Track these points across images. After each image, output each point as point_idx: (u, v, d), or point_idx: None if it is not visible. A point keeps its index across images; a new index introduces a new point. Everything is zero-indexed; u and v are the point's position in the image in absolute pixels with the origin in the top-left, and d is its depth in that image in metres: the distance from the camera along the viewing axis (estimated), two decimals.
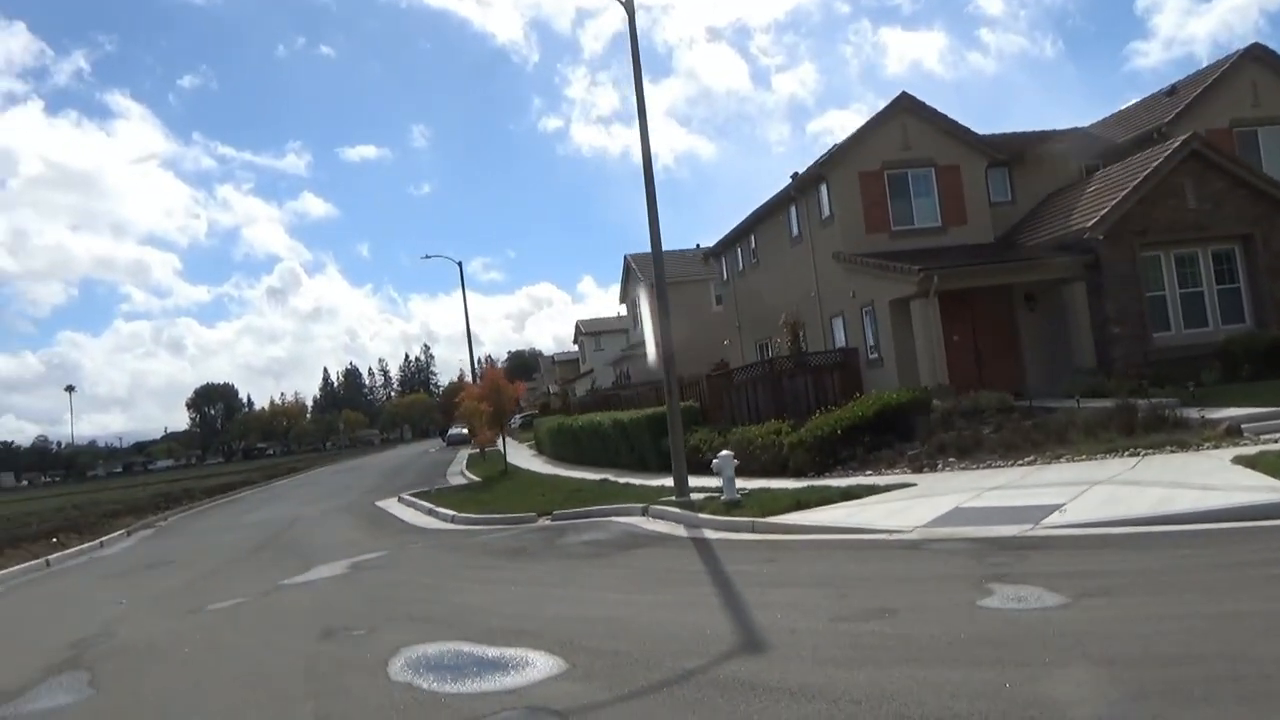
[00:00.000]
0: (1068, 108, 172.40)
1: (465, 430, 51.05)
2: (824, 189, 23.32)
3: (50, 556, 19.46)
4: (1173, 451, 12.43)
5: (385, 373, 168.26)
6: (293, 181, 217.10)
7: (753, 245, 29.63)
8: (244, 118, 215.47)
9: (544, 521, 16.02)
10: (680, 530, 12.84)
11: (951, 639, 5.77)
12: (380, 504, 24.08)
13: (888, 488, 13.11)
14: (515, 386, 30.42)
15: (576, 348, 70.52)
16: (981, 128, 23.25)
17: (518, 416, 53.21)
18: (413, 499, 22.88)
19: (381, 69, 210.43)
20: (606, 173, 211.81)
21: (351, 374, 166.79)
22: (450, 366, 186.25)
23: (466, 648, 7.17)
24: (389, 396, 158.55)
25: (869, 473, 15.29)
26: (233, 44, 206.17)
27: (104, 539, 22.68)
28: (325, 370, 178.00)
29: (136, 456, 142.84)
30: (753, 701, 5.03)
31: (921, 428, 16.51)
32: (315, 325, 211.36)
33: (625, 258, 46.76)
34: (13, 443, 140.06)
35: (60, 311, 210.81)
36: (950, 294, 19.57)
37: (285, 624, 9.39)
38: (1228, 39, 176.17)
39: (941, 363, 19.29)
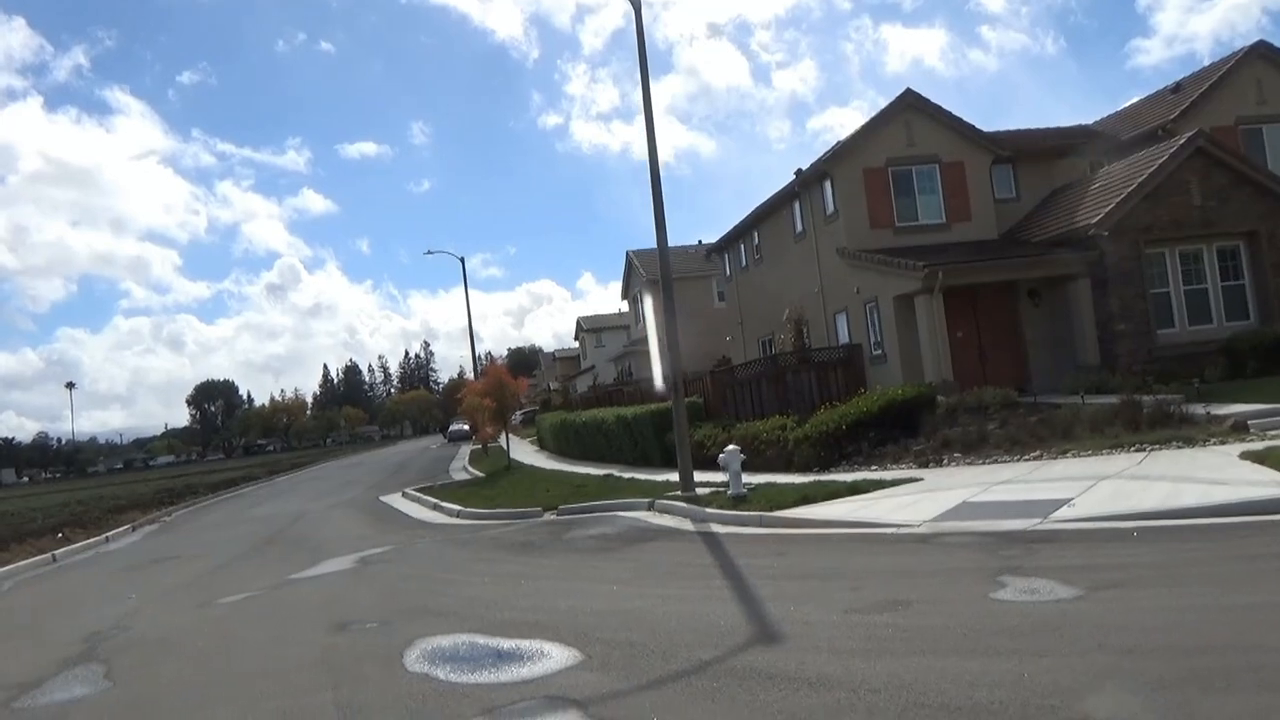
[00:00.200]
0: (1069, 105, 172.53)
1: (466, 426, 51.10)
2: (828, 185, 23.34)
3: (56, 551, 19.49)
4: (1179, 447, 12.46)
5: (385, 369, 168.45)
6: (293, 178, 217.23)
7: (756, 242, 29.66)
8: (244, 114, 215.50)
9: (549, 516, 16.07)
10: (687, 524, 12.90)
11: (967, 630, 5.81)
12: (384, 499, 24.14)
13: (894, 482, 13.15)
14: (518, 382, 30.48)
15: (577, 344, 70.58)
16: (983, 125, 23.28)
17: (519, 413, 53.21)
18: (417, 494, 22.94)
19: (381, 65, 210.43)
20: (606, 169, 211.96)
21: (352, 370, 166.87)
22: (450, 363, 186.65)
23: (481, 640, 7.20)
24: (389, 393, 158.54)
25: (874, 468, 15.33)
26: (232, 40, 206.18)
27: (109, 534, 22.72)
28: (325, 367, 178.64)
29: (137, 453, 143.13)
30: (771, 691, 5.07)
31: (926, 423, 16.57)
32: (315, 322, 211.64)
33: (627, 254, 46.78)
34: (13, 439, 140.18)
35: (60, 308, 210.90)
36: (954, 290, 19.62)
37: (297, 617, 9.43)
38: (1230, 37, 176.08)
39: (946, 359, 19.33)
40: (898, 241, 22.03)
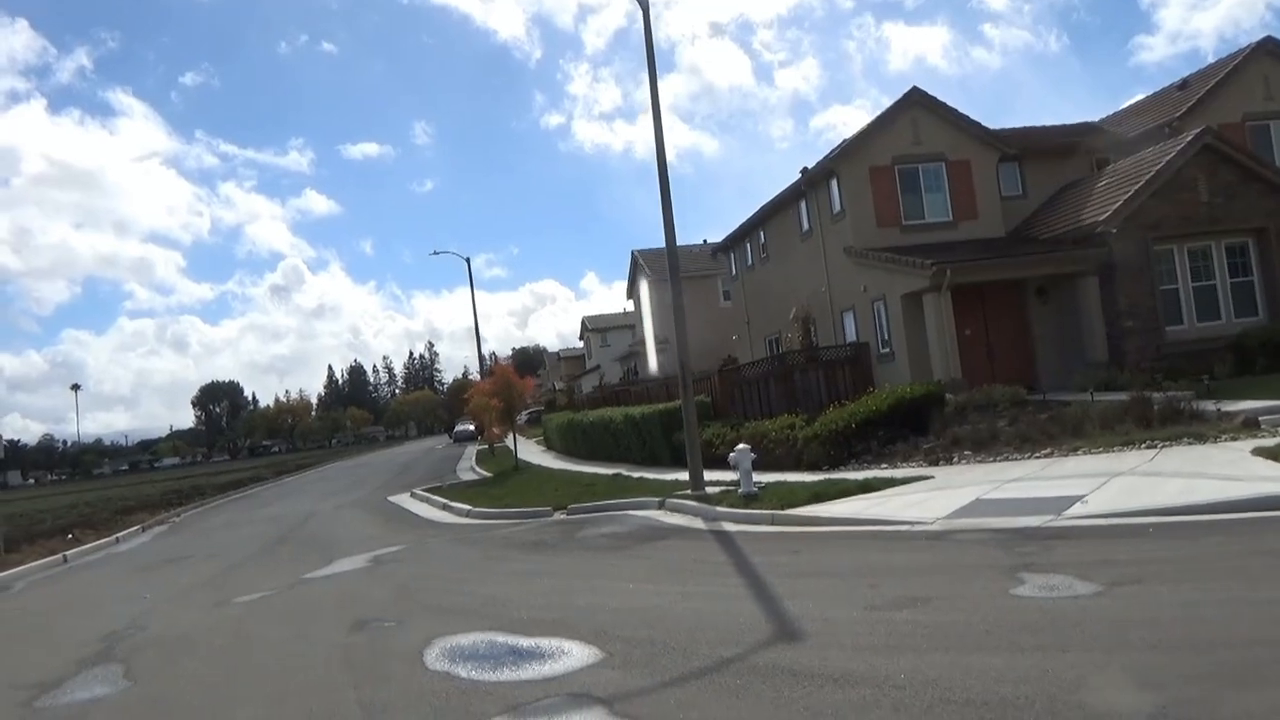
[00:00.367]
0: (1072, 103, 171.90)
1: (472, 426, 51.19)
2: (834, 184, 23.35)
3: (68, 552, 19.55)
4: (1190, 444, 12.46)
5: (390, 370, 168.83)
6: (295, 179, 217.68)
7: (762, 241, 29.66)
8: (246, 115, 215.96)
9: (560, 516, 16.09)
10: (699, 523, 12.91)
11: (988, 626, 5.82)
12: (393, 499, 24.18)
13: (905, 480, 13.16)
14: (525, 382, 30.50)
15: (582, 344, 70.66)
16: (986, 123, 23.25)
17: (524, 413, 53.32)
18: (426, 494, 22.97)
19: (384, 66, 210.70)
20: (609, 169, 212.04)
21: (356, 371, 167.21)
22: (454, 363, 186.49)
23: (500, 638, 7.23)
24: (394, 394, 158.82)
25: (884, 466, 15.33)
26: (235, 41, 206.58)
27: (119, 535, 22.77)
28: (330, 368, 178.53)
29: (142, 454, 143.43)
30: (795, 688, 5.09)
31: (936, 421, 16.55)
32: (319, 322, 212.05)
33: (632, 253, 46.84)
34: (19, 441, 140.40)
35: (64, 309, 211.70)
36: (962, 288, 19.62)
37: (314, 616, 9.46)
38: (1233, 33, 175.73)
39: (954, 356, 19.33)
40: (904, 240, 22.03)
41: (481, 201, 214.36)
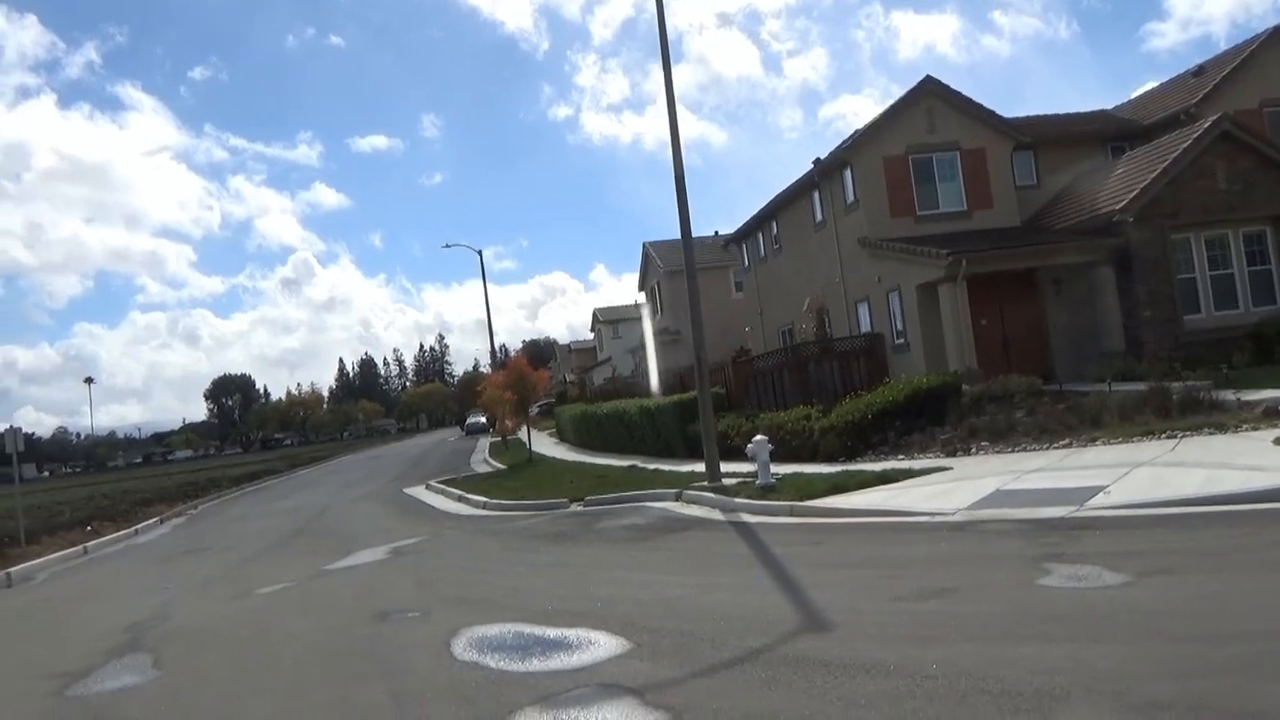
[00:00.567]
0: (1083, 90, 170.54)
1: (484, 419, 51.24)
2: (848, 174, 23.26)
3: (88, 544, 19.72)
4: (1211, 434, 12.39)
5: (400, 362, 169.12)
6: (304, 172, 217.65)
7: (774, 232, 29.59)
8: (255, 109, 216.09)
9: (576, 507, 16.11)
10: (717, 514, 12.92)
11: (1017, 617, 5.82)
12: (408, 491, 24.29)
13: (924, 471, 13.15)
14: (539, 374, 30.53)
15: (592, 336, 70.65)
16: (997, 112, 23.09)
17: (536, 405, 53.41)
18: (441, 486, 23.07)
19: (391, 58, 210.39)
20: (617, 161, 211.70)
21: (367, 364, 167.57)
22: (464, 356, 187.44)
23: (526, 629, 7.25)
24: (404, 386, 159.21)
25: (901, 457, 15.32)
26: (242, 35, 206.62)
27: (138, 527, 22.96)
28: (341, 361, 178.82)
29: (155, 447, 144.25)
30: (828, 678, 5.09)
31: (953, 412, 16.51)
32: (329, 316, 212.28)
33: (644, 245, 46.76)
34: (33, 434, 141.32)
35: (77, 303, 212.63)
36: (977, 278, 19.53)
37: (337, 607, 9.52)
38: (1245, 19, 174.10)
39: (969, 347, 19.26)
40: (919, 230, 21.95)
41: (490, 194, 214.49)
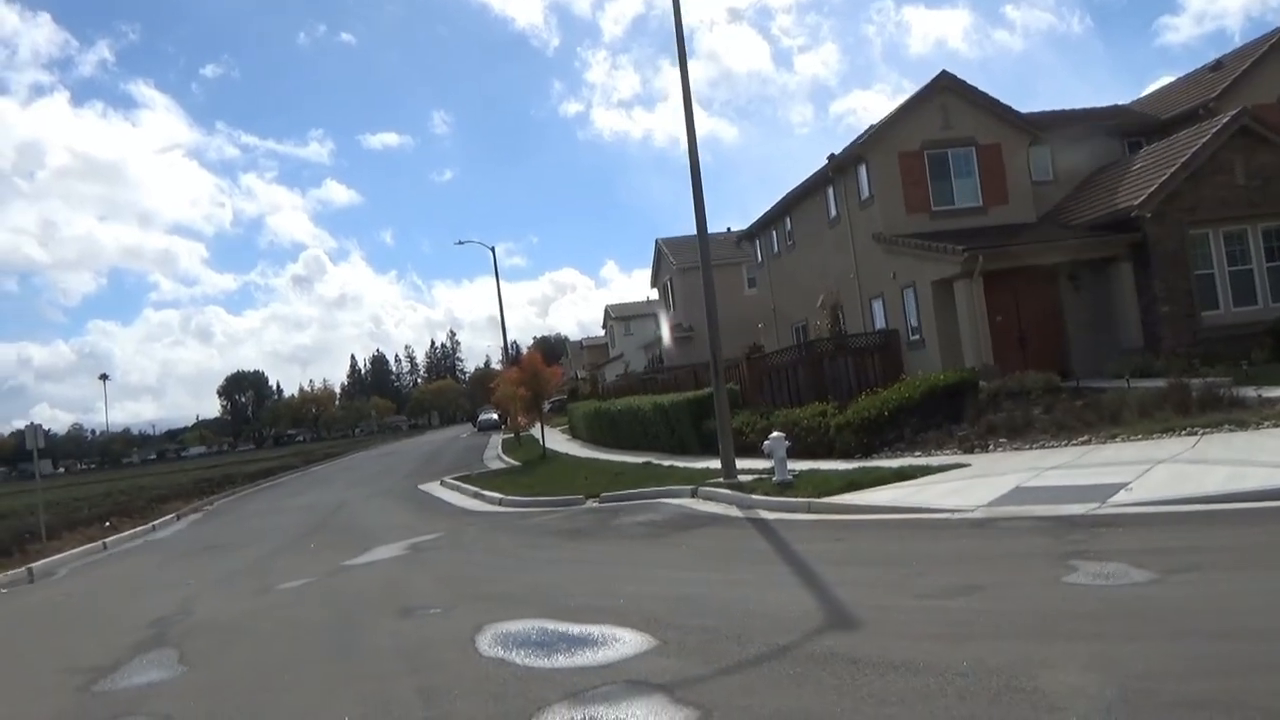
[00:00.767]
0: (1097, 85, 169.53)
1: (496, 415, 51.36)
2: (863, 170, 23.20)
3: (106, 540, 19.87)
4: (1232, 430, 12.31)
5: (412, 359, 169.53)
6: (316, 169, 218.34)
7: (788, 228, 29.53)
8: (266, 106, 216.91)
9: (592, 503, 16.14)
10: (734, 511, 12.91)
11: (1045, 614, 5.80)
12: (423, 487, 24.36)
13: (941, 468, 13.11)
14: (553, 371, 30.56)
15: (604, 332, 70.66)
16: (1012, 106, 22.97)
17: (548, 401, 53.51)
18: (456, 482, 23.13)
19: (402, 55, 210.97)
20: (628, 157, 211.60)
21: (379, 361, 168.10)
22: (476, 352, 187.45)
23: (550, 625, 7.27)
24: (416, 383, 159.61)
25: (918, 454, 15.27)
26: (253, 32, 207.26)
27: (155, 523, 23.12)
28: (353, 357, 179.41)
29: (169, 444, 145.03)
30: (857, 676, 5.09)
31: (969, 409, 16.44)
32: (341, 312, 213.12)
33: (656, 242, 46.78)
34: (49, 430, 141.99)
35: (91, 301, 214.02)
36: (993, 274, 19.46)
37: (360, 603, 9.55)
38: (1261, 11, 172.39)
39: (986, 343, 19.20)
40: (934, 226, 21.87)
41: (501, 190, 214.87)
